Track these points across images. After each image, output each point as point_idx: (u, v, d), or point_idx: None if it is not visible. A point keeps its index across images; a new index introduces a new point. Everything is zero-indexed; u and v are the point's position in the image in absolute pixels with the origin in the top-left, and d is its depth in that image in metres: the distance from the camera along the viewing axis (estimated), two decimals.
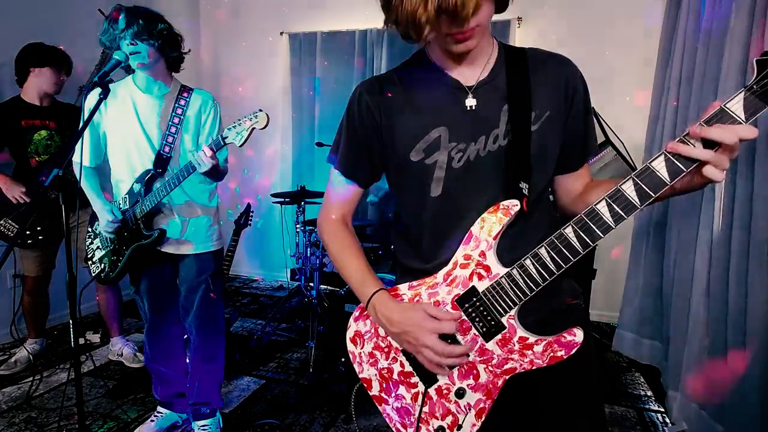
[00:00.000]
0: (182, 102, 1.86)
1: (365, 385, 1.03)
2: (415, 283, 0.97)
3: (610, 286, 3.41)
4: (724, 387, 1.89)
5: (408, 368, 0.98)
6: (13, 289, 2.83)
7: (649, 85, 3.04)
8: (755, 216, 1.74)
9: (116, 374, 2.66)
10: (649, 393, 2.51)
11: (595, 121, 2.75)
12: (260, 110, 1.69)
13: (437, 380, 0.95)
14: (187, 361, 2.16)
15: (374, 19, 3.83)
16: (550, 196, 1.04)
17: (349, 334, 1.06)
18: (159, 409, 2.16)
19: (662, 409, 2.34)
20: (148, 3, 1.95)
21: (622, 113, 3.23)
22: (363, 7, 3.91)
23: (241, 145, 1.69)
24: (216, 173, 1.81)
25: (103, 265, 1.95)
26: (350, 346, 1.05)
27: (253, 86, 4.39)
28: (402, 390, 0.99)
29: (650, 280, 2.78)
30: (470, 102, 0.91)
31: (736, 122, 0.68)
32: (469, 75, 0.93)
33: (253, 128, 1.68)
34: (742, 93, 0.68)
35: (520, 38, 3.51)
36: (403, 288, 0.99)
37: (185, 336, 2.21)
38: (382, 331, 1.00)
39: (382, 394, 1.01)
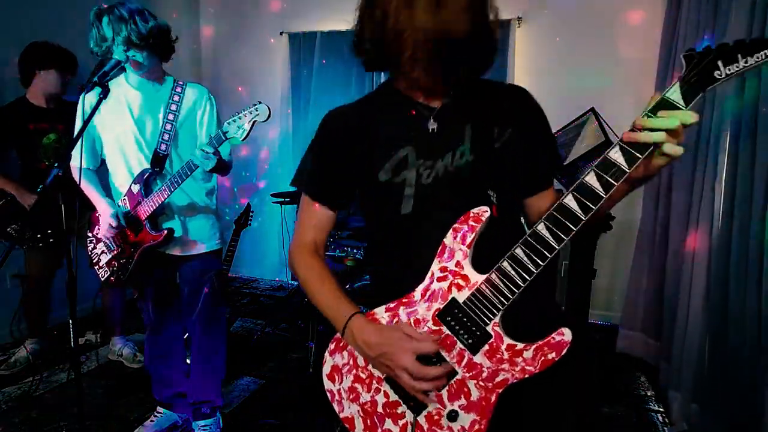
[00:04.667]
0: (176, 98, 1.84)
1: (347, 425, 0.97)
2: (392, 304, 0.94)
3: (610, 286, 3.41)
4: (725, 386, 1.89)
5: (393, 397, 0.93)
6: (13, 289, 2.83)
7: (650, 85, 3.04)
8: (755, 216, 1.74)
9: (116, 374, 2.66)
10: (650, 393, 2.51)
11: (595, 120, 2.73)
12: (260, 102, 1.67)
13: (426, 406, 0.89)
14: (188, 361, 2.16)
15: None
16: (522, 218, 1.05)
17: (326, 370, 1.00)
18: (159, 409, 2.15)
19: (662, 409, 2.34)
20: (149, 4, 1.94)
21: (622, 113, 3.21)
22: None
23: (243, 139, 1.67)
24: (222, 168, 1.80)
25: (112, 268, 1.93)
26: (328, 384, 1.00)
27: (253, 86, 4.39)
28: (389, 423, 0.92)
29: (651, 280, 2.78)
30: (432, 125, 0.95)
31: (677, 109, 0.73)
32: (432, 99, 0.96)
33: (255, 121, 1.67)
34: (678, 84, 0.74)
35: (520, 38, 3.50)
36: (380, 311, 0.95)
37: (185, 336, 2.21)
38: (361, 361, 0.96)
39: None
